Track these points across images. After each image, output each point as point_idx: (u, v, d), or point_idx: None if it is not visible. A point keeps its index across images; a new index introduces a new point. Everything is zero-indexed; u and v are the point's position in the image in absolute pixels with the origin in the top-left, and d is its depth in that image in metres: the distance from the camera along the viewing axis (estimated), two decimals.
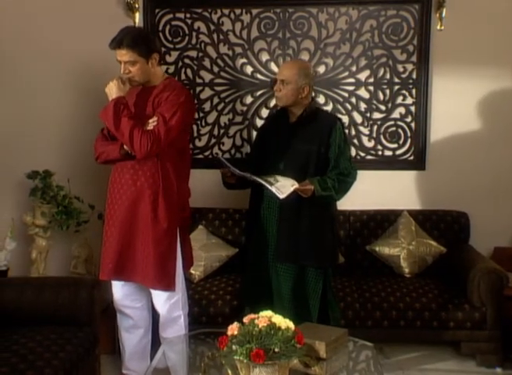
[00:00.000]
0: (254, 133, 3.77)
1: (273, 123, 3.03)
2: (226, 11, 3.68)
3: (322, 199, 2.76)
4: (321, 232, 2.83)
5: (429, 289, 3.31)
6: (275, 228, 2.84)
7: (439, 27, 3.61)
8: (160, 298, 2.79)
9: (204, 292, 3.27)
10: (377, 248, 3.56)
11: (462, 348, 3.23)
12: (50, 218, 3.49)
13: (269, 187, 2.66)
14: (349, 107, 3.72)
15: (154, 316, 2.94)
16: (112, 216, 2.79)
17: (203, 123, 3.78)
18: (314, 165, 2.81)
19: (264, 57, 3.72)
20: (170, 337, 2.77)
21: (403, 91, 3.69)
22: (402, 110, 3.71)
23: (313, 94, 3.01)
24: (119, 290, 2.86)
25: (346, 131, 3.45)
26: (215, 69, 3.74)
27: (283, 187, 2.66)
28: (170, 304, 2.79)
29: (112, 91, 2.68)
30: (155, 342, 2.93)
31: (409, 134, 3.72)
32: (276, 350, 1.87)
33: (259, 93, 3.74)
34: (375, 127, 3.74)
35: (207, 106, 3.77)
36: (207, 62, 3.74)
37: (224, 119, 3.78)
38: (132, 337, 2.91)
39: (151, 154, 2.64)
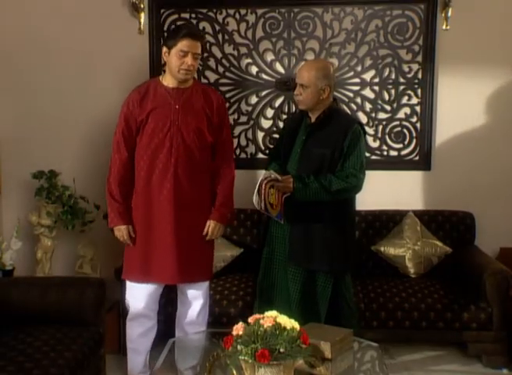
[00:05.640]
0: (259, 134, 3.79)
1: (293, 124, 2.94)
2: (231, 11, 3.68)
3: (304, 192, 2.67)
4: (333, 236, 2.75)
5: (435, 290, 3.30)
6: (288, 231, 2.79)
7: (444, 27, 3.60)
8: (203, 286, 2.88)
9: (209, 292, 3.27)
10: (382, 249, 3.55)
11: (468, 349, 3.22)
12: (55, 218, 3.51)
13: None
14: (354, 107, 3.71)
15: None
16: (155, 220, 2.75)
17: None
18: (328, 169, 2.71)
19: (270, 57, 3.72)
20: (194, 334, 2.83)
21: (409, 91, 3.68)
22: (407, 110, 3.71)
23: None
24: (151, 294, 2.83)
25: None
26: (220, 69, 3.74)
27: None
28: (208, 291, 2.95)
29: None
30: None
31: (414, 134, 3.71)
32: (281, 350, 1.87)
33: (264, 93, 3.74)
34: (380, 127, 3.73)
35: None
36: (212, 63, 3.74)
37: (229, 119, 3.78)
38: (150, 337, 2.90)
39: None
